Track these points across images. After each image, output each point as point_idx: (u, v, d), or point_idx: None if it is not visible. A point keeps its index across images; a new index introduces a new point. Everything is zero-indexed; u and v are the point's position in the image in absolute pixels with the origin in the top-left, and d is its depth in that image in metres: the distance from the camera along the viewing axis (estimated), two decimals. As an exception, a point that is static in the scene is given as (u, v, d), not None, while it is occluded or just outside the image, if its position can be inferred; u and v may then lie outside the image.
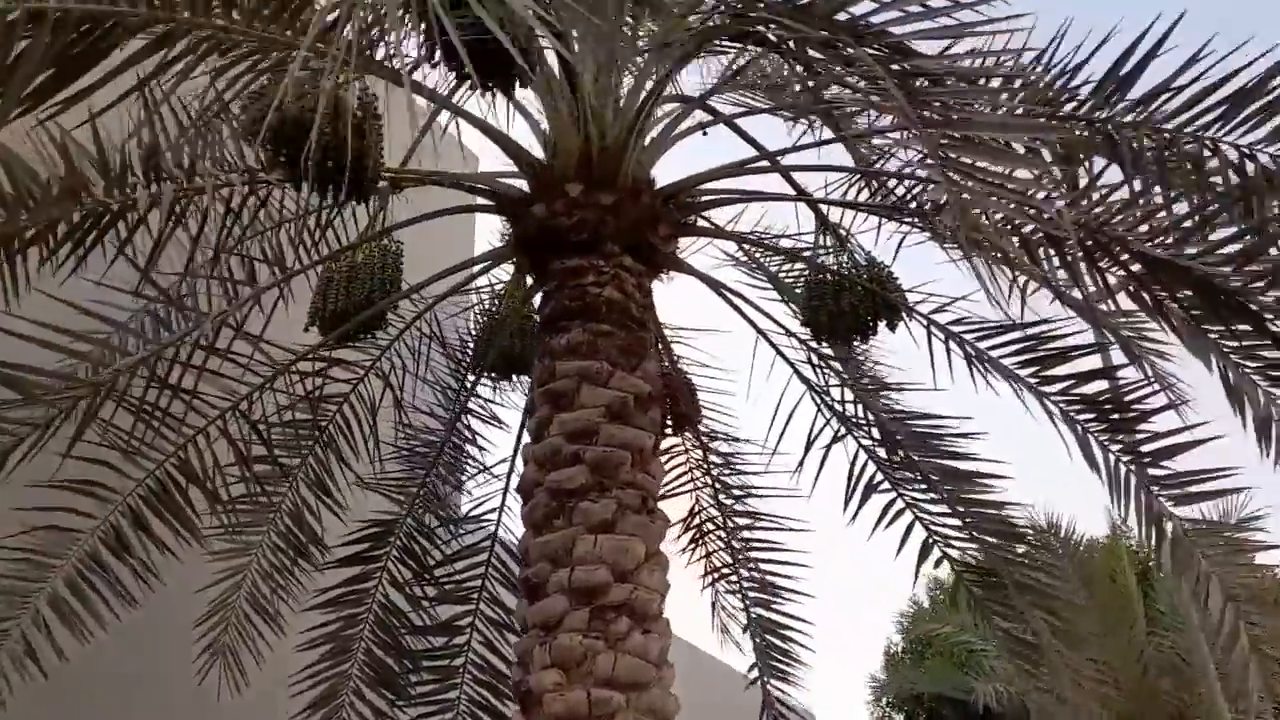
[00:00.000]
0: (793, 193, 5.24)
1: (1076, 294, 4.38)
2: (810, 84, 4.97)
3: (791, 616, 6.53)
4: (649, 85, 4.80)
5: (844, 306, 5.09)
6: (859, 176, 5.53)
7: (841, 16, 3.60)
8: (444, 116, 4.78)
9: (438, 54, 4.21)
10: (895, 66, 3.19)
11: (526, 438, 4.73)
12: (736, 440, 6.33)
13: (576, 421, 4.27)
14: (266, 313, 5.69)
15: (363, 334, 5.45)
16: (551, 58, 4.74)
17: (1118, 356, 4.94)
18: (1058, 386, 5.09)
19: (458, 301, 6.06)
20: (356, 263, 5.36)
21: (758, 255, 5.85)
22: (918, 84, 3.19)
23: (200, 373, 5.22)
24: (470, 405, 6.23)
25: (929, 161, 2.82)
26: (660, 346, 6.01)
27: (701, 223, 5.30)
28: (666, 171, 5.12)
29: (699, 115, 5.37)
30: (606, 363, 4.40)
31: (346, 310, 5.27)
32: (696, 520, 6.45)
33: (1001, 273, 4.76)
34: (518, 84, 4.43)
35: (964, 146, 3.07)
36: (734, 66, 5.42)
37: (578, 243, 4.64)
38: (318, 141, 3.84)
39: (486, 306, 6.03)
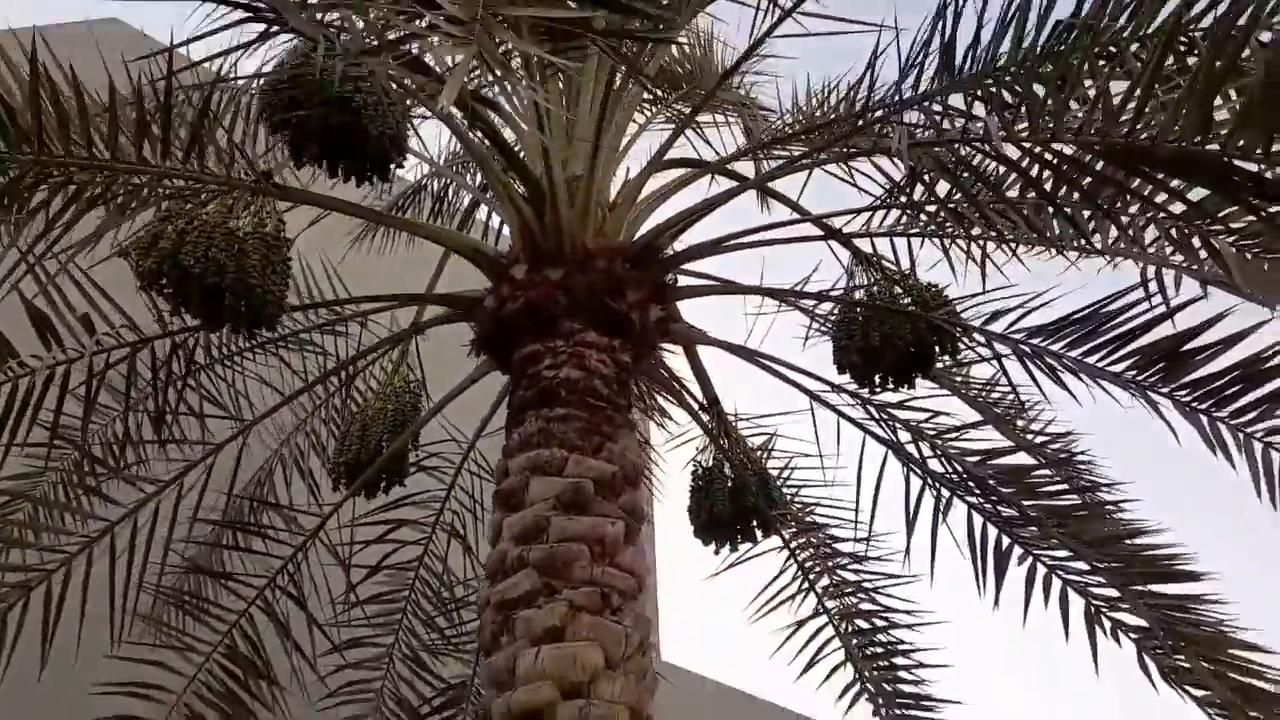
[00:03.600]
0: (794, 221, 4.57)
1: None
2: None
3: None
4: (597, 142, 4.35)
5: (874, 340, 4.32)
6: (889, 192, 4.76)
7: None
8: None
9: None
10: None
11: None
12: (820, 528, 5.42)
13: (522, 520, 3.69)
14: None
15: (386, 482, 5.16)
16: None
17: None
18: (1158, 373, 4.02)
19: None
20: (368, 412, 5.15)
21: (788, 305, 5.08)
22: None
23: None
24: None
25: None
26: (729, 437, 5.35)
27: (693, 281, 4.66)
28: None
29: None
30: (561, 448, 3.82)
31: (359, 460, 5.02)
32: (814, 630, 5.50)
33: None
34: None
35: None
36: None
37: (531, 327, 4.17)
38: (193, 275, 3.66)
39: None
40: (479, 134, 4.47)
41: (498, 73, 2.02)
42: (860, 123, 4.00)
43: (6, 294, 3.40)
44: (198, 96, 3.75)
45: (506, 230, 4.82)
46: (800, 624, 5.38)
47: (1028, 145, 3.11)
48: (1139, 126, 2.77)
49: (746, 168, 5.77)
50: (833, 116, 4.87)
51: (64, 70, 3.27)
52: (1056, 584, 4.90)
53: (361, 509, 5.37)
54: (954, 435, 4.77)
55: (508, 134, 5.10)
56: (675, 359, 5.26)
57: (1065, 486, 4.59)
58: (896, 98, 3.77)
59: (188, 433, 4.98)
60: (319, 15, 3.10)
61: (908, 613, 5.36)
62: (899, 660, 5.37)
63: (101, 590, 4.54)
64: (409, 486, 5.53)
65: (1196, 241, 3.35)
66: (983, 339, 4.41)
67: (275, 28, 3.23)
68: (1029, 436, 4.76)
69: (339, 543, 5.41)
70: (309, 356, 5.51)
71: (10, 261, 3.54)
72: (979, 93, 3.92)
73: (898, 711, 5.60)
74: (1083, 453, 4.51)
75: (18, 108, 3.13)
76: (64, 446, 4.23)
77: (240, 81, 4.33)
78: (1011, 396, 4.85)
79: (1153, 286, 3.71)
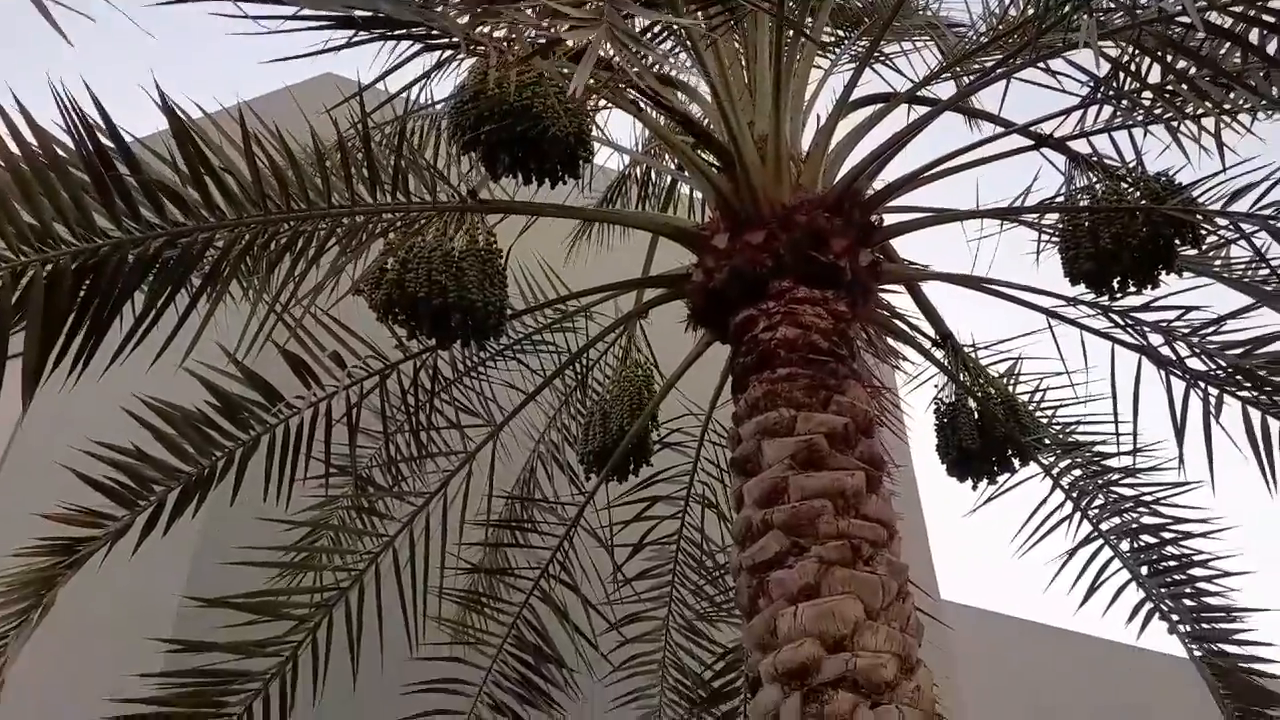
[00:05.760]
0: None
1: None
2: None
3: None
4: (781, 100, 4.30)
5: (1105, 244, 4.09)
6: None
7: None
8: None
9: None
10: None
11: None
12: (1082, 447, 5.14)
13: (761, 484, 3.72)
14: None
15: (634, 463, 5.34)
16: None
17: None
18: None
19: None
20: (607, 400, 5.34)
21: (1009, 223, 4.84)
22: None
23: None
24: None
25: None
26: (968, 370, 5.19)
27: (902, 217, 4.53)
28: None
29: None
30: (788, 408, 3.82)
31: (605, 446, 5.21)
32: (1091, 553, 5.24)
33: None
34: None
35: None
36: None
37: (741, 294, 4.19)
38: (420, 300, 3.89)
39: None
40: (664, 114, 4.52)
41: (631, 48, 2.03)
42: (1046, 19, 3.75)
43: (263, 345, 3.72)
44: (392, 130, 3.97)
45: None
46: (1074, 550, 5.14)
47: (1236, 10, 2.84)
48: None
49: (945, 91, 5.57)
50: (1019, 19, 4.59)
51: (269, 132, 3.55)
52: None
53: (617, 492, 5.57)
54: (1211, 330, 4.43)
55: (695, 108, 5.15)
56: (903, 299, 5.16)
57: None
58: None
59: (450, 444, 5.31)
60: (483, 31, 3.20)
61: (1202, 521, 5.02)
62: (1196, 572, 5.03)
63: (395, 601, 4.92)
64: (659, 464, 5.71)
65: None
66: (1227, 221, 4.06)
67: (450, 53, 3.38)
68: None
69: (600, 526, 5.64)
70: (545, 356, 5.75)
71: (256, 315, 3.84)
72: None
73: (1204, 626, 5.27)
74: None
75: (241, 178, 3.42)
76: (337, 473, 4.59)
77: (430, 108, 4.52)
78: (1278, 274, 4.45)
79: None
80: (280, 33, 3.38)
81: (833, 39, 5.84)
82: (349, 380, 4.36)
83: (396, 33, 3.40)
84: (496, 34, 3.32)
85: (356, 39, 3.45)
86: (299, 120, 4.05)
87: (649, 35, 4.27)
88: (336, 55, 3.57)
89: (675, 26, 4.45)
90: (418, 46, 3.64)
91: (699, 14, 3.86)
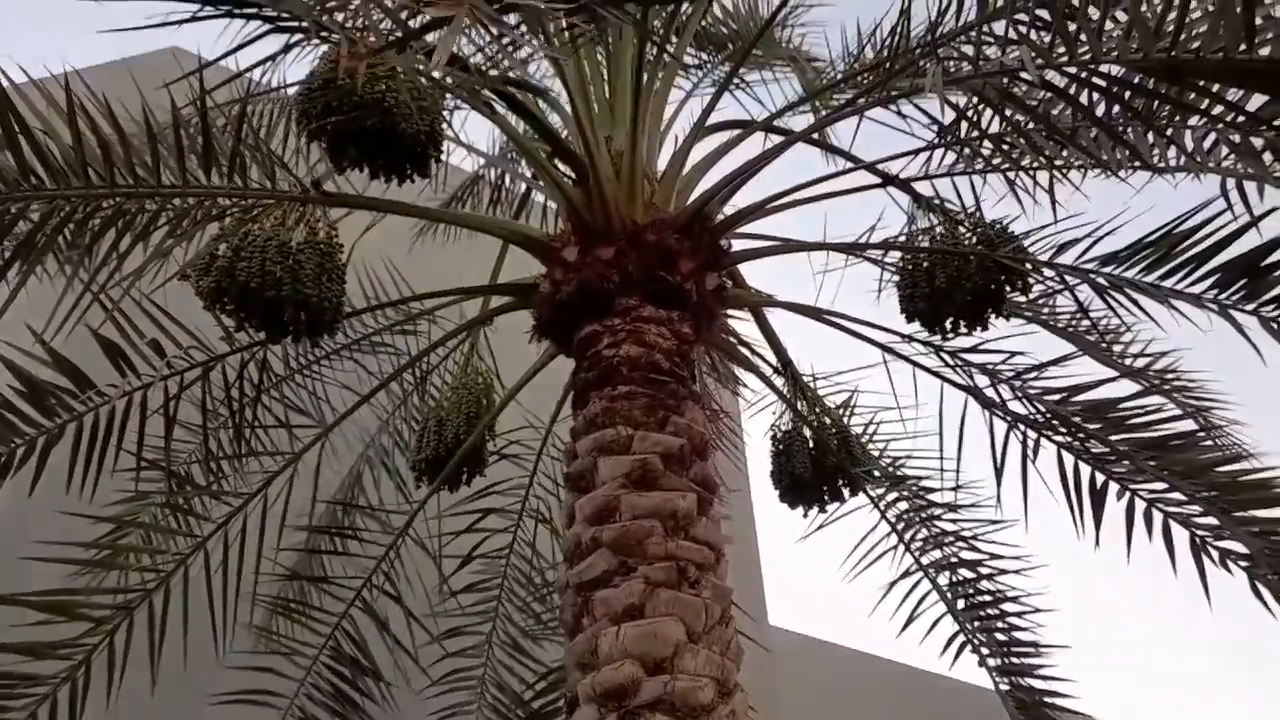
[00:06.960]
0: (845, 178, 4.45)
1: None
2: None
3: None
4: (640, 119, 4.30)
5: (939, 284, 4.20)
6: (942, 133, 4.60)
7: None
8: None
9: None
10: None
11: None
12: (909, 481, 5.30)
13: (593, 501, 3.68)
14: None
15: (467, 474, 5.23)
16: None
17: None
18: (1239, 291, 3.82)
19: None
20: (444, 407, 5.22)
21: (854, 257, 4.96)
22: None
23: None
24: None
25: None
26: (806, 399, 5.28)
27: (751, 244, 4.58)
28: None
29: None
30: (626, 426, 3.80)
31: (439, 455, 5.09)
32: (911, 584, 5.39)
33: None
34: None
35: None
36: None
37: (587, 308, 4.15)
38: (251, 290, 3.70)
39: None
40: (522, 121, 4.46)
41: (494, 31, 1.97)
42: (897, 64, 3.85)
43: (75, 326, 3.48)
44: (234, 112, 3.79)
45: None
46: (894, 582, 5.27)
47: (1071, 71, 2.95)
48: (1183, 39, 2.62)
49: (802, 123, 5.67)
50: (874, 61, 4.72)
51: (98, 102, 3.34)
52: (1158, 517, 4.72)
53: (449, 502, 5.45)
54: (1033, 375, 4.62)
55: (554, 118, 5.10)
56: (748, 325, 5.21)
57: (1156, 417, 4.41)
58: (932, 34, 3.63)
59: (276, 444, 5.08)
60: (336, 18, 3.08)
61: (1015, 558, 5.22)
62: (1007, 607, 5.22)
63: (205, 605, 4.68)
64: (493, 476, 5.61)
65: (1267, 153, 3.16)
66: (1053, 272, 4.24)
67: (298, 37, 3.24)
68: (1126, 362, 4.57)
69: (429, 536, 5.50)
70: (385, 358, 5.59)
71: (70, 295, 3.61)
72: (1021, 19, 3.76)
73: (1012, 660, 5.47)
74: (1177, 374, 4.32)
75: (63, 146, 3.21)
76: (149, 467, 4.34)
77: (277, 92, 4.35)
78: (1097, 328, 4.68)
79: (1229, 200, 3.54)
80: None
81: (695, 62, 5.89)
82: (169, 370, 4.12)
83: (245, 11, 3.24)
84: (349, 22, 3.19)
85: (201, 14, 3.28)
86: (136, 95, 3.83)
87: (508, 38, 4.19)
88: (180, 29, 3.38)
89: (536, 32, 4.40)
90: (266, 27, 3.48)
91: (561, 21, 3.82)
